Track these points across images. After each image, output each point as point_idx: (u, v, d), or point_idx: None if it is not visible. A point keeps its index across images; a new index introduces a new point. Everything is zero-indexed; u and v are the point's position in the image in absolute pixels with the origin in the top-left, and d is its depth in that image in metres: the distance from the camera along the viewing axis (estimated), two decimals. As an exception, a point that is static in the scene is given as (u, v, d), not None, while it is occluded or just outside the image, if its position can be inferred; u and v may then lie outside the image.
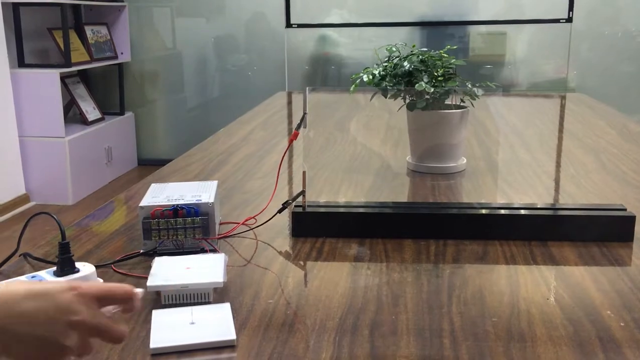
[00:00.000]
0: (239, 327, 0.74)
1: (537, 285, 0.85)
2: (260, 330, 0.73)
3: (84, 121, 3.86)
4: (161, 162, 1.53)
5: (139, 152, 4.42)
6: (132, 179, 4.02)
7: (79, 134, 3.71)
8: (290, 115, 2.23)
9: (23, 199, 3.57)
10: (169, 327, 0.72)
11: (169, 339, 0.70)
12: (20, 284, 0.59)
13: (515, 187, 1.29)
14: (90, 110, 3.96)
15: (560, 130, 1.93)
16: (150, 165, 4.15)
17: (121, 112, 4.22)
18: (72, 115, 4.00)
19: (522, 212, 1.02)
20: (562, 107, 2.47)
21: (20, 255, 0.96)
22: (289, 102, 2.58)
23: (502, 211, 1.02)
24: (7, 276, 0.89)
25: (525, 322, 0.75)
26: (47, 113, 3.55)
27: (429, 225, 1.01)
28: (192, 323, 0.73)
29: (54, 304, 0.57)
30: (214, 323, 0.73)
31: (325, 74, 4.25)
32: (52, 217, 0.82)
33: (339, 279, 0.87)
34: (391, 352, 0.69)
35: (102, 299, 0.61)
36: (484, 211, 1.02)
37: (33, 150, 3.59)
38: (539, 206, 1.05)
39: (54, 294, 0.58)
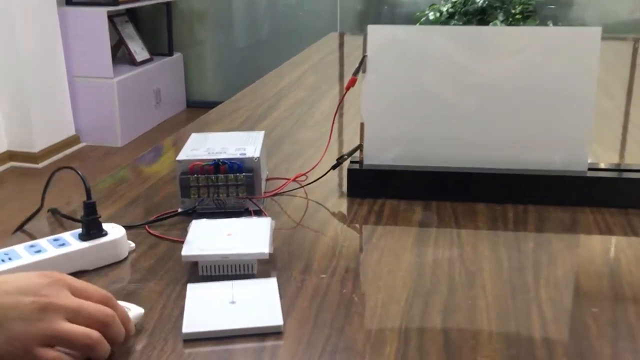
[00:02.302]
0: (287, 308, 0.63)
1: (641, 266, 0.71)
2: (312, 314, 0.62)
3: (132, 62, 3.78)
4: (210, 104, 1.42)
5: (188, 94, 4.34)
6: (181, 121, 3.95)
7: (127, 74, 3.64)
8: (342, 58, 2.08)
9: (73, 140, 3.55)
10: (205, 308, 0.62)
11: (205, 322, 0.60)
12: None
13: (601, 143, 1.13)
14: (139, 50, 3.87)
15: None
16: (199, 107, 4.06)
17: (170, 53, 4.12)
18: (121, 55, 3.92)
19: (615, 174, 0.87)
20: (636, 51, 2.23)
21: (48, 211, 0.87)
22: (341, 45, 2.42)
23: (591, 173, 0.87)
24: (30, 235, 0.80)
25: (634, 316, 0.61)
26: (96, 53, 3.49)
27: (506, 187, 0.88)
28: (233, 302, 0.63)
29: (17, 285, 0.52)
30: (258, 304, 0.63)
31: (378, 14, 4.03)
32: (77, 172, 0.72)
33: (403, 251, 0.75)
34: (470, 348, 0.57)
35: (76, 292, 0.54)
36: (570, 172, 0.87)
37: (82, 91, 3.55)
38: (634, 167, 0.89)
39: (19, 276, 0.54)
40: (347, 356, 0.56)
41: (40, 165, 3.26)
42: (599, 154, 1.06)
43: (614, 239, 0.78)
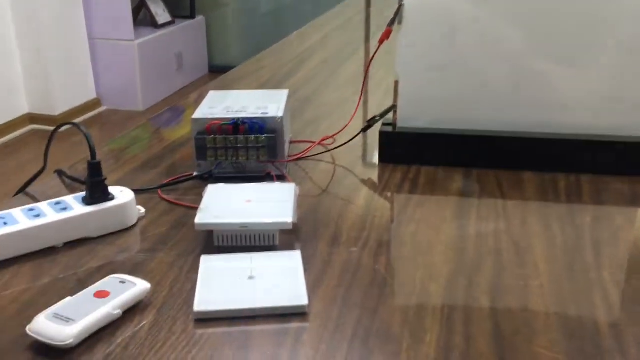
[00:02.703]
0: (312, 285, 0.56)
1: None
2: (340, 293, 0.55)
3: (153, 24, 3.69)
4: (233, 69, 1.34)
5: (210, 59, 4.25)
6: (203, 86, 3.87)
7: (148, 37, 3.56)
8: (368, 19, 1.98)
9: (95, 103, 3.49)
10: (220, 283, 0.55)
11: (220, 300, 0.53)
12: None
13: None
14: (160, 12, 3.78)
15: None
16: (221, 72, 3.97)
17: (192, 16, 4.02)
18: (142, 17, 3.83)
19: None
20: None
21: (54, 172, 0.80)
22: (368, 5, 2.31)
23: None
24: (33, 198, 0.73)
25: None
26: (116, 14, 3.40)
27: (557, 154, 0.79)
28: (251, 278, 0.55)
29: None
30: (280, 280, 0.55)
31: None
32: (80, 129, 0.65)
33: (442, 223, 0.67)
34: (524, 337, 0.49)
35: None
36: (629, 137, 0.78)
37: (103, 53, 3.48)
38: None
39: None
40: (382, 342, 0.49)
41: (61, 128, 3.21)
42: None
43: (681, 214, 0.69)
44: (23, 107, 3.25)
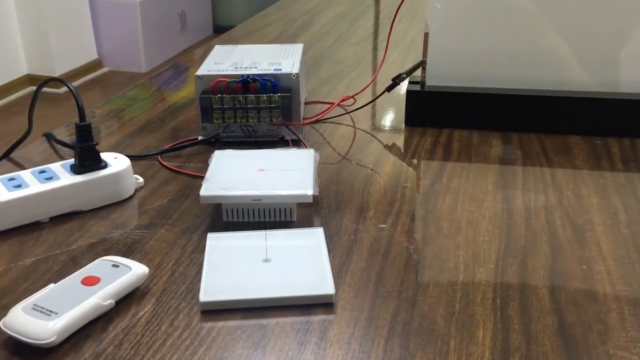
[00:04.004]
0: (338, 270, 0.47)
1: None
2: (371, 279, 0.47)
3: (155, -18, 3.56)
4: (236, 28, 1.24)
5: (215, 18, 4.11)
6: (208, 47, 3.76)
7: (150, -5, 3.42)
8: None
9: (96, 64, 3.39)
10: (230, 267, 0.47)
11: (230, 288, 0.44)
12: None
13: None
14: (163, -31, 3.64)
15: None
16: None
17: (195, -27, 3.88)
18: (144, -25, 3.69)
19: None
20: None
21: (43, 136, 0.72)
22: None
23: None
24: (17, 164, 0.65)
25: None
26: (117, -29, 3.28)
27: (608, 116, 0.69)
28: (267, 260, 0.47)
29: None
30: (301, 264, 0.47)
31: None
32: (67, 85, 0.56)
33: (484, 195, 0.58)
34: (597, 335, 0.41)
35: None
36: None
37: (103, 13, 3.36)
38: None
39: None
40: (426, 341, 0.41)
41: (62, 90, 3.12)
42: None
43: None
44: (22, 68, 3.15)
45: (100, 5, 3.35)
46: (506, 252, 0.49)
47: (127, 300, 0.44)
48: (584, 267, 0.47)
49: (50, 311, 0.41)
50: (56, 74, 3.13)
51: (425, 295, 0.45)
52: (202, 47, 1.07)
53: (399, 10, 0.70)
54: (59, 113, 2.65)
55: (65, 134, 0.72)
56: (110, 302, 0.43)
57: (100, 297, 0.42)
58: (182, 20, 3.73)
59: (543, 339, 0.40)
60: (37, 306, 0.41)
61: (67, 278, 0.44)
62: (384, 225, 0.53)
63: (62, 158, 0.66)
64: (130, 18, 3.34)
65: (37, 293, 0.43)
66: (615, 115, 0.69)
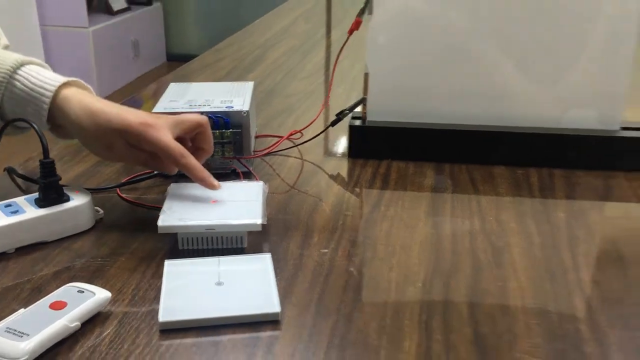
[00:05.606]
0: (284, 291, 0.53)
1: (691, 241, 0.61)
2: (314, 299, 0.52)
3: (108, 11, 3.58)
4: (191, 58, 1.30)
5: (168, 47, 4.15)
6: (161, 75, 3.77)
7: (103, 24, 3.45)
8: (329, 8, 1.95)
9: (47, 93, 3.37)
10: (186, 290, 0.52)
11: (186, 308, 0.49)
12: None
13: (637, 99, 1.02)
14: (116, -2, 3.67)
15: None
16: (179, 61, 3.89)
17: (148, 3, 3.92)
18: (96, 4, 3.72)
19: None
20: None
21: (4, 170, 0.75)
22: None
23: (625, 132, 0.77)
24: (-19, 200, 0.69)
25: (696, 303, 0.52)
26: (69, 0, 3.29)
27: (529, 148, 0.77)
28: (219, 284, 0.52)
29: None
30: (250, 285, 0.52)
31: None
32: (31, 125, 0.60)
33: (416, 221, 0.65)
34: (506, 342, 0.47)
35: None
36: (600, 131, 0.77)
37: (55, 41, 3.36)
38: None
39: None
40: (360, 351, 0.46)
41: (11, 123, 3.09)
42: (634, 112, 0.96)
43: (653, 209, 0.68)
44: (-29, 97, 3.11)
45: (52, 33, 3.35)
46: (433, 273, 0.56)
47: (92, 322, 0.49)
48: (500, 284, 0.54)
49: (22, 333, 0.45)
50: (7, 102, 3.11)
51: (361, 312, 0.51)
52: (155, 83, 1.11)
53: (345, 45, 0.76)
54: (15, 144, 2.64)
55: (26, 168, 0.75)
56: (77, 324, 0.47)
57: (67, 320, 0.47)
58: (135, 48, 3.75)
59: (460, 347, 0.47)
60: (10, 329, 0.45)
61: (36, 303, 0.49)
62: (326, 250, 0.59)
63: (25, 191, 0.69)
64: (83, 46, 3.35)
65: (8, 317, 0.47)
66: (535, 148, 0.77)
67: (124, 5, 3.71)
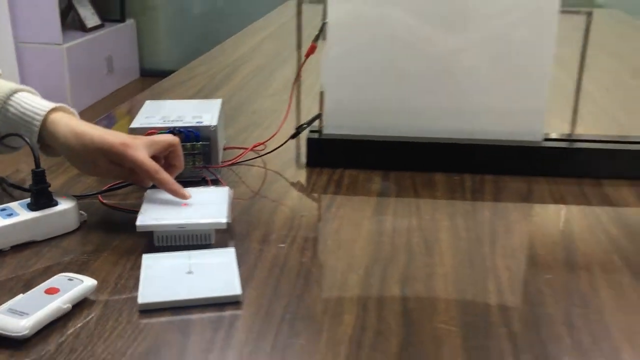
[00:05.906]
0: (245, 278, 0.62)
1: (594, 234, 0.72)
2: (270, 283, 0.62)
3: (82, 28, 3.65)
4: (164, 73, 1.39)
5: (141, 62, 4.22)
6: (134, 91, 3.85)
7: (77, 41, 3.51)
8: (300, 28, 2.06)
9: (21, 109, 3.42)
10: (161, 277, 0.61)
11: (162, 292, 0.59)
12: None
13: (556, 114, 1.15)
14: (89, 16, 3.74)
15: (588, 51, 1.76)
16: (153, 77, 3.96)
17: (122, 19, 4.00)
18: (70, 21, 3.78)
19: (569, 144, 0.88)
20: (590, 24, 2.27)
21: (-5, 180, 0.83)
22: (299, 13, 2.39)
23: (547, 143, 0.88)
24: (-23, 206, 0.77)
25: (587, 283, 0.63)
26: (43, 17, 3.35)
27: (464, 157, 0.88)
28: (190, 272, 0.62)
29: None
30: (216, 274, 0.62)
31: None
32: (24, 139, 0.69)
33: (362, 220, 0.75)
34: (427, 315, 0.57)
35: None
36: (526, 142, 0.88)
37: (29, 58, 3.41)
38: (588, 138, 0.91)
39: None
40: (306, 324, 0.56)
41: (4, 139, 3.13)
42: (554, 125, 1.07)
43: (567, 208, 0.79)
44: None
45: (26, 50, 3.40)
46: (373, 262, 0.66)
47: (80, 306, 0.58)
48: (428, 271, 0.64)
49: (23, 312, 0.53)
50: (-19, 118, 3.14)
51: (310, 294, 0.60)
52: (128, 103, 1.20)
53: (306, 61, 0.86)
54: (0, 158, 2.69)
55: (14, 179, 0.84)
56: (68, 305, 0.56)
57: (60, 302, 0.55)
58: (109, 64, 3.82)
59: (390, 319, 0.56)
60: (12, 309, 0.54)
61: (33, 289, 0.57)
62: (283, 245, 0.69)
63: (15, 198, 0.78)
64: (57, 63, 3.41)
65: (10, 301, 0.55)
66: (471, 157, 0.88)
67: (98, 22, 3.79)
